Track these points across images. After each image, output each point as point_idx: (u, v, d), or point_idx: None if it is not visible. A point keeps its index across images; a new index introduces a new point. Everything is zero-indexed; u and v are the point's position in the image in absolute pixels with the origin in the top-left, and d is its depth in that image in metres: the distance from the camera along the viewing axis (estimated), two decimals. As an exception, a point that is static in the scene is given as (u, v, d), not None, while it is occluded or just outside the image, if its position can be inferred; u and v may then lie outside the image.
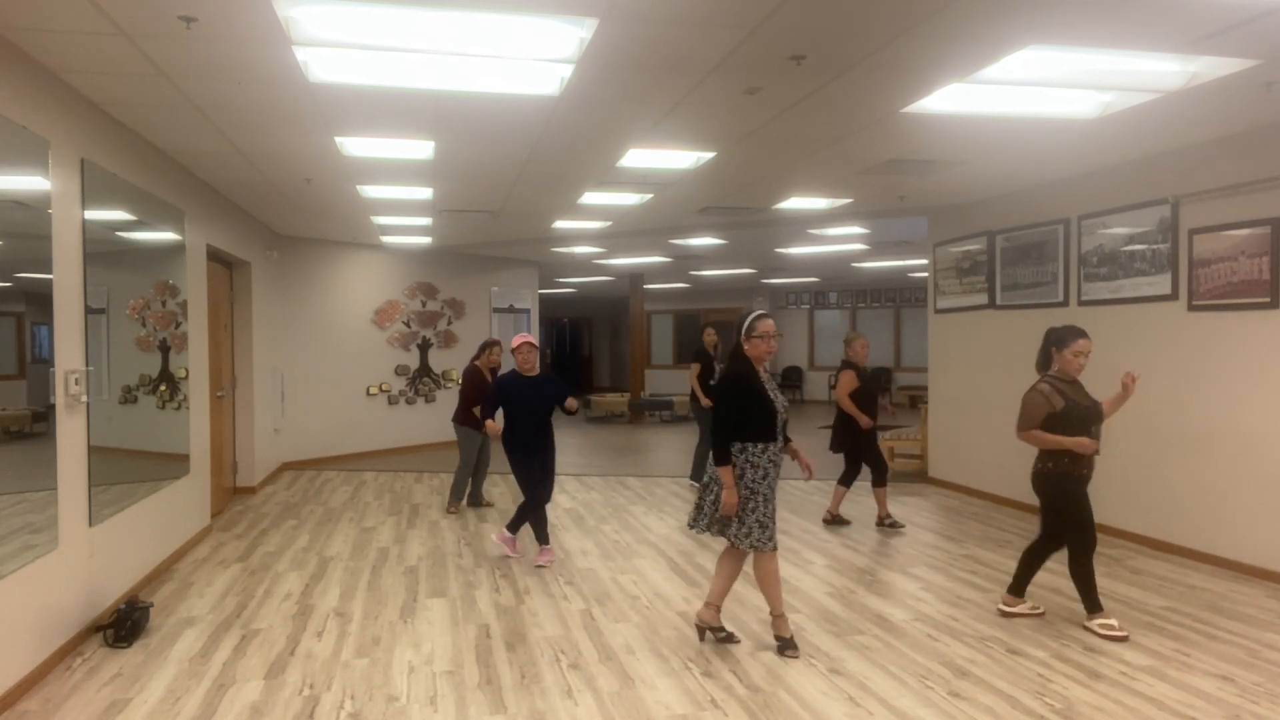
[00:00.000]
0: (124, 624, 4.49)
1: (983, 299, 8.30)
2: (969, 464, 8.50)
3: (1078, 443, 4.42)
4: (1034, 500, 4.82)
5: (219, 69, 4.27)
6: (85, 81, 4.47)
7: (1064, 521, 4.62)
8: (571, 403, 6.04)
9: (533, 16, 3.72)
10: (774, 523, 4.24)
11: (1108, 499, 6.77)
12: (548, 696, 3.83)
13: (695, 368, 8.70)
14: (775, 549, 4.27)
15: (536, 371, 6.07)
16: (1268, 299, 5.46)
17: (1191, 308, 6.01)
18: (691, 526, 4.42)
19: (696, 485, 8.56)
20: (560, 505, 8.17)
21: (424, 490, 9.02)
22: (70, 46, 3.96)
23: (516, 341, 6.08)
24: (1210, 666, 4.11)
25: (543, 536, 6.05)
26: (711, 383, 8.33)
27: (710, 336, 8.90)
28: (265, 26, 3.72)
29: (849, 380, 6.89)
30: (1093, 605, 4.60)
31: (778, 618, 4.36)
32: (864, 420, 6.80)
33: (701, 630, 4.50)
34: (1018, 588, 4.85)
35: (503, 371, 6.67)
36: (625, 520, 7.49)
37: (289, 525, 7.34)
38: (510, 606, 5.10)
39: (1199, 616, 4.82)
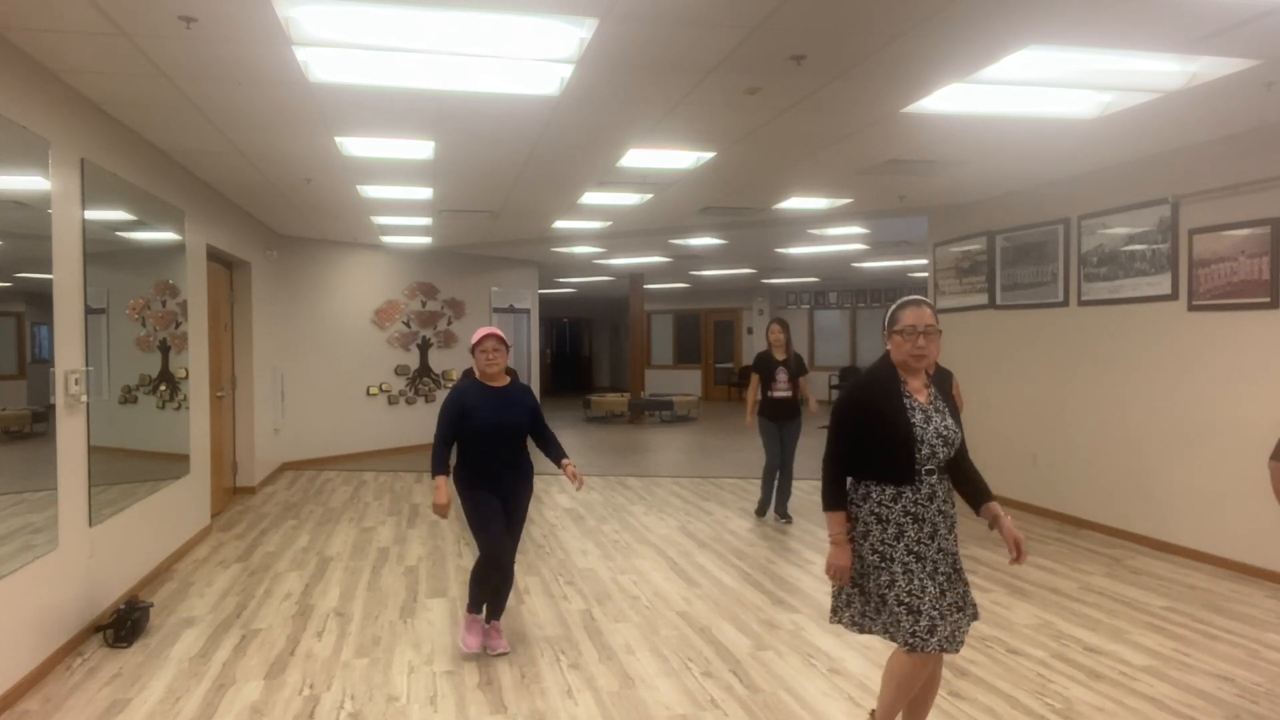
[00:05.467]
0: (124, 624, 4.49)
1: (983, 299, 8.29)
2: (969, 464, 8.48)
3: None
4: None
5: (219, 69, 4.27)
6: (85, 81, 4.47)
7: None
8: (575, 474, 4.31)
9: (533, 16, 3.72)
10: (934, 607, 2.82)
11: (1108, 499, 6.78)
12: (548, 696, 3.83)
13: (753, 380, 7.37)
14: (941, 649, 2.82)
15: (506, 380, 4.45)
16: (1268, 299, 5.46)
17: (1191, 308, 6.01)
18: (832, 618, 3.11)
19: (783, 520, 7.39)
20: (560, 505, 8.17)
21: (424, 490, 9.01)
22: (70, 46, 3.96)
23: (478, 336, 4.37)
24: (1210, 666, 4.11)
25: (495, 609, 4.43)
26: (771, 393, 7.24)
27: (777, 334, 7.35)
28: (265, 26, 3.72)
29: None
30: None
31: None
32: None
33: None
34: None
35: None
36: (625, 520, 7.49)
37: (289, 525, 7.34)
38: (510, 606, 5.09)
39: (1199, 616, 4.82)
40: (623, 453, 12.06)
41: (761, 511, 7.58)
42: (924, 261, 9.76)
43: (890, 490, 2.91)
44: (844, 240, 11.72)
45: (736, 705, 3.73)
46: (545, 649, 4.41)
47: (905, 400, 2.93)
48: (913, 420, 2.90)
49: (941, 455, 2.94)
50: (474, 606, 4.40)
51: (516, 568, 5.61)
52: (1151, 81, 4.61)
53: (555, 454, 4.45)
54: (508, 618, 4.84)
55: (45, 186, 4.20)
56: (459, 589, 5.45)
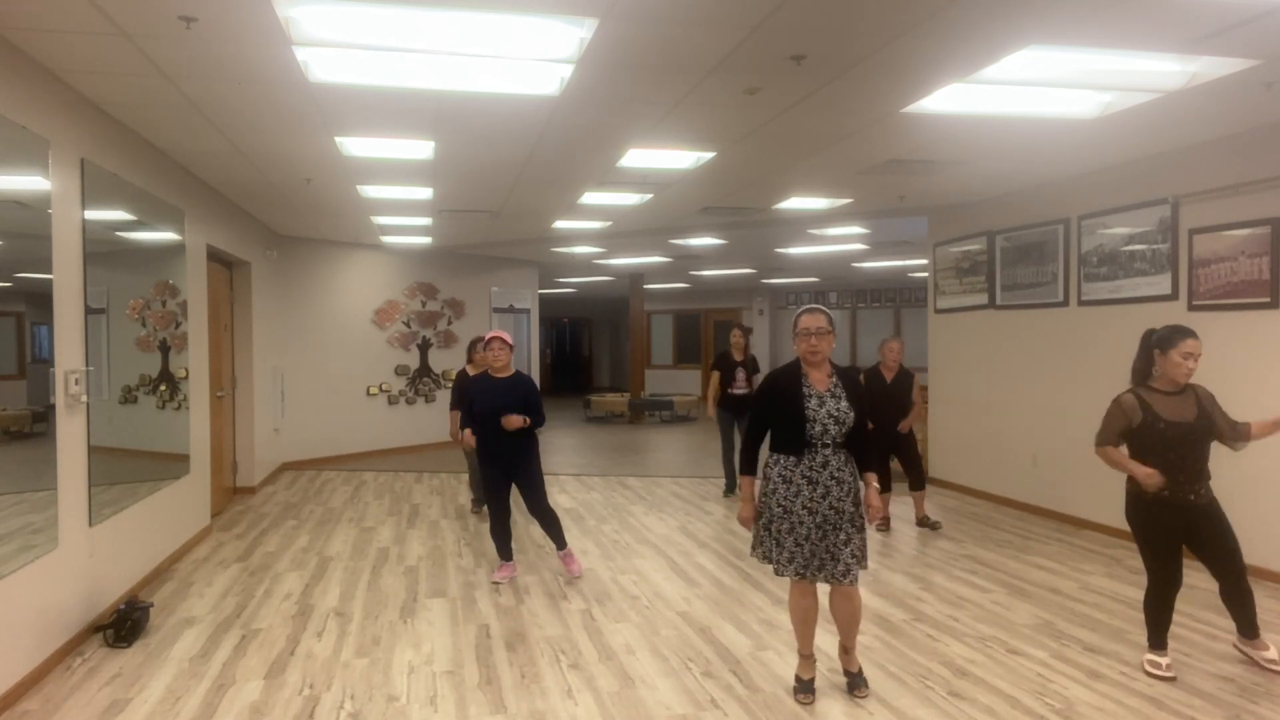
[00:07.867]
0: (124, 624, 4.49)
1: (983, 299, 8.30)
2: (969, 464, 8.50)
3: (1140, 474, 4.03)
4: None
5: (219, 69, 4.27)
6: (85, 81, 4.47)
7: (1143, 553, 4.18)
8: (512, 420, 5.35)
9: (533, 16, 3.72)
10: (812, 547, 3.63)
11: (1108, 499, 6.78)
12: (548, 696, 3.83)
13: (714, 378, 8.42)
14: (798, 578, 3.68)
15: (510, 372, 5.57)
16: (1268, 299, 5.46)
17: (1191, 308, 6.01)
18: (765, 561, 3.78)
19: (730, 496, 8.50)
20: (560, 505, 8.16)
21: (424, 490, 9.02)
22: (70, 46, 3.96)
23: (487, 337, 5.65)
24: (1210, 666, 4.11)
25: (557, 541, 5.71)
26: (731, 390, 8.23)
27: (737, 338, 8.42)
28: (265, 26, 3.72)
29: None
30: (1154, 642, 4.10)
31: (805, 654, 3.88)
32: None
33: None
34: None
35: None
36: (625, 520, 7.49)
37: (289, 525, 7.34)
38: (510, 606, 5.10)
39: (1199, 616, 4.82)
40: (623, 453, 12.05)
41: (729, 489, 8.54)
42: (924, 261, 9.76)
43: (792, 459, 3.65)
44: (844, 240, 11.72)
45: (736, 705, 3.73)
46: (545, 649, 4.41)
47: (805, 388, 3.65)
48: (808, 405, 3.62)
49: (833, 432, 3.63)
50: (501, 556, 5.69)
51: (517, 567, 5.78)
52: (1151, 81, 4.61)
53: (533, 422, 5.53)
54: (508, 618, 4.88)
55: (45, 186, 4.20)
56: (459, 589, 5.45)
